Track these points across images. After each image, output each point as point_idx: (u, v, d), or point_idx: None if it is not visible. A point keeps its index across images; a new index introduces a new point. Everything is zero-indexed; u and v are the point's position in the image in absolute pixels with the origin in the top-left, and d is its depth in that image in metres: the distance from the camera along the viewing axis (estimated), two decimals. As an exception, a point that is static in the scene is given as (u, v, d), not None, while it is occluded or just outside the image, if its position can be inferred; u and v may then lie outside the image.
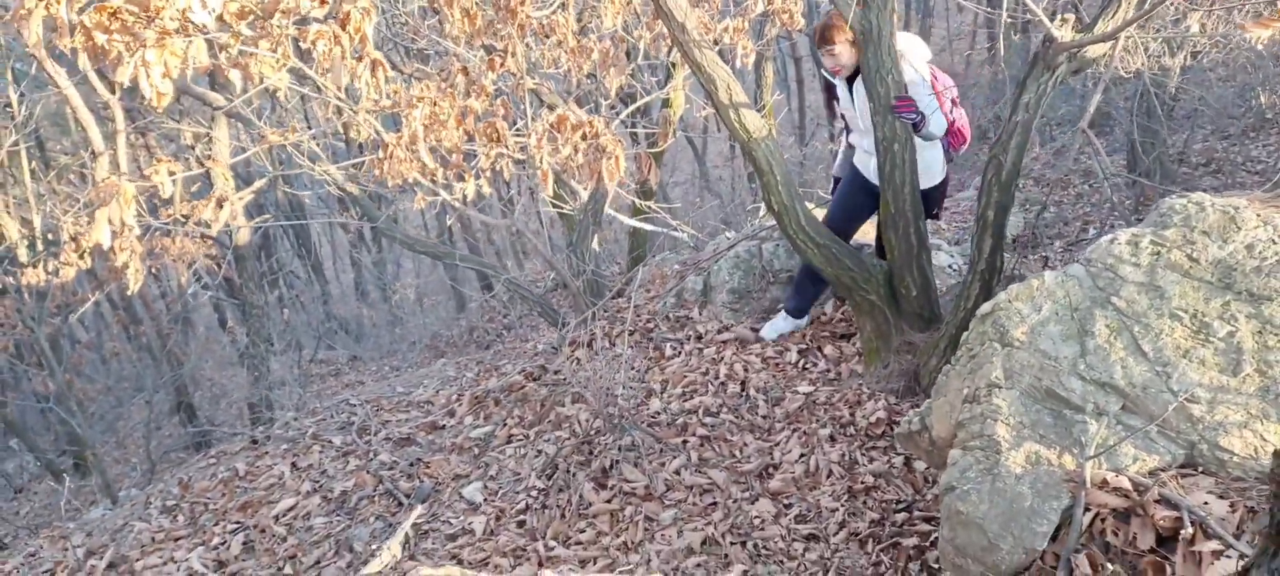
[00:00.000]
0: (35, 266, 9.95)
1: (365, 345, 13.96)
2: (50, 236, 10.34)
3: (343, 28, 2.83)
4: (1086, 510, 2.06)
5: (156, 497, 4.50)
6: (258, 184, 8.73)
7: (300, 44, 2.72)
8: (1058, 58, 3.05)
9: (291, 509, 3.74)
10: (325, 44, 2.57)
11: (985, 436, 2.25)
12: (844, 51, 3.46)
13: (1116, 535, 2.00)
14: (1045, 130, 10.68)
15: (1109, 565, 1.90)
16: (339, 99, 3.08)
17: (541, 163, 3.12)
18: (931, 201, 3.69)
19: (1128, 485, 2.02)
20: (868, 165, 3.70)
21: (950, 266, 4.90)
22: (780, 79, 15.06)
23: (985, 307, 2.40)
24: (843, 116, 3.87)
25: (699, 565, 2.86)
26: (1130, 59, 4.65)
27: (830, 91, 3.86)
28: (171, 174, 3.57)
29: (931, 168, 3.63)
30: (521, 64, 4.02)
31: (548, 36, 4.18)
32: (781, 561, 2.84)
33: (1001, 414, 2.25)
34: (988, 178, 3.23)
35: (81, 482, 9.67)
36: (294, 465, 4.20)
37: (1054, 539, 2.12)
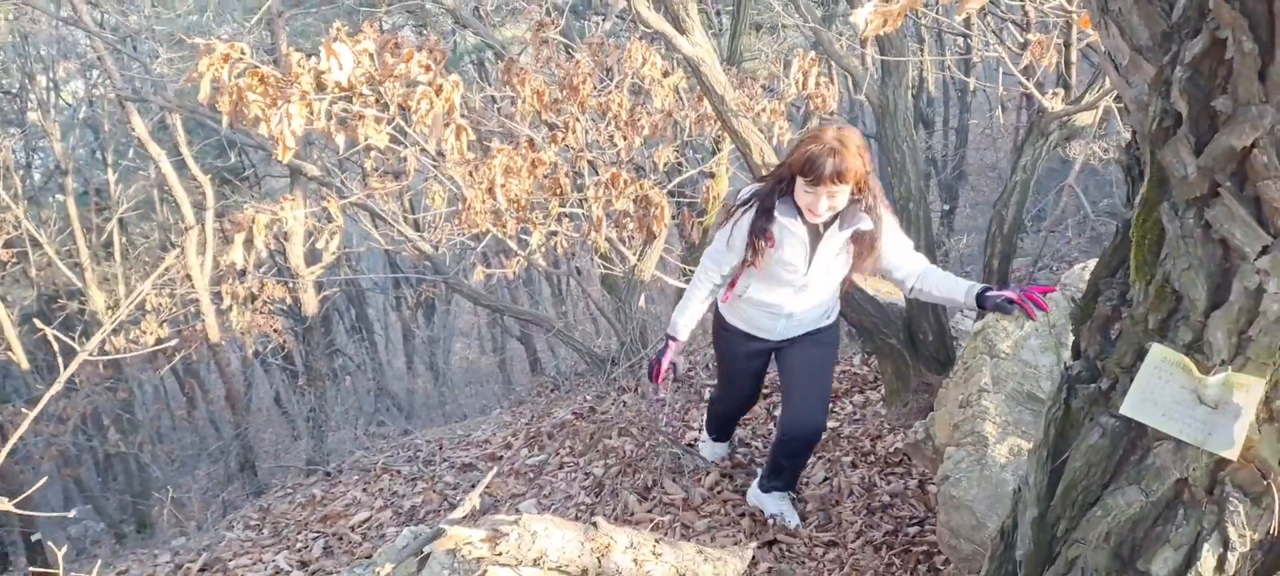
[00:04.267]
0: (117, 335, 10.77)
1: (415, 422, 14.47)
2: (132, 308, 11.18)
3: (437, 95, 3.41)
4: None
5: (238, 521, 4.96)
6: (327, 259, 9.44)
7: (404, 107, 3.29)
8: (1050, 125, 3.50)
9: (366, 520, 4.17)
10: (427, 103, 3.14)
11: (975, 433, 2.62)
12: (844, 197, 2.57)
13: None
14: (1085, 222, 11.16)
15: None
16: (428, 155, 3.64)
17: (596, 211, 3.62)
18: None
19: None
20: (777, 324, 2.94)
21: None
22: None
23: (976, 326, 2.80)
24: (743, 267, 2.85)
25: (730, 562, 3.21)
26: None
27: (759, 238, 2.70)
28: (276, 220, 4.15)
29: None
30: (581, 138, 4.60)
31: (604, 114, 4.77)
32: (803, 561, 3.18)
33: (989, 414, 2.62)
34: (992, 231, 3.65)
35: (147, 537, 10.22)
36: (366, 489, 4.65)
37: (1033, 515, 2.46)
